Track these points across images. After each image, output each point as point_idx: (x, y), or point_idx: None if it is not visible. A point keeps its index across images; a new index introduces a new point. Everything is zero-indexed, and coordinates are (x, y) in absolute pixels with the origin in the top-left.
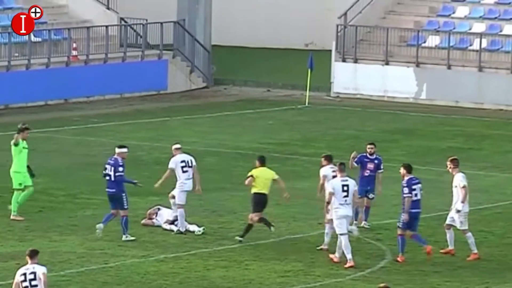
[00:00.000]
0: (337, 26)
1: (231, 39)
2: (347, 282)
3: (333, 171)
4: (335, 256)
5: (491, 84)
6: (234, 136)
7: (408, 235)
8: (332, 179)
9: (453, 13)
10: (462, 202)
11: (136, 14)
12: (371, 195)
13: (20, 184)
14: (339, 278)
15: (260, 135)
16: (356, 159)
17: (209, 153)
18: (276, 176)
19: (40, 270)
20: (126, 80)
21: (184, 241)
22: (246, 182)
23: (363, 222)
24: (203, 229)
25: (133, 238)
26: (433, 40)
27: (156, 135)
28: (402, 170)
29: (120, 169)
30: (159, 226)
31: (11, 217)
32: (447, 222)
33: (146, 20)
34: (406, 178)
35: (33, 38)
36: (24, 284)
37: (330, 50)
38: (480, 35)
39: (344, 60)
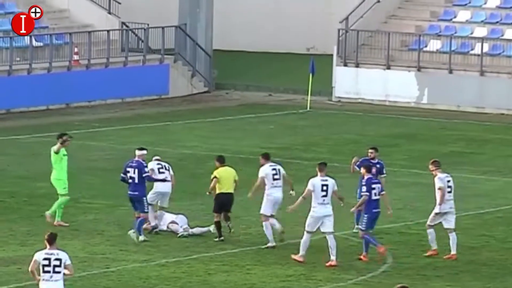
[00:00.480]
0: (339, 30)
1: (233, 44)
2: (348, 287)
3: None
4: (332, 260)
5: (493, 89)
6: (235, 141)
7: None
8: (312, 178)
9: (455, 17)
10: (439, 204)
11: (138, 18)
12: None
13: (64, 188)
14: (340, 283)
15: (262, 140)
16: (357, 164)
17: (210, 158)
18: (237, 177)
19: (67, 261)
20: (127, 85)
21: (185, 246)
22: (212, 184)
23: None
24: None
25: (145, 239)
26: (434, 45)
27: (158, 140)
28: (362, 169)
29: (146, 169)
30: (161, 230)
31: (55, 223)
32: (428, 223)
33: (148, 24)
34: (366, 177)
35: (34, 43)
36: (47, 268)
37: (332, 55)
38: (482, 39)
39: (345, 65)
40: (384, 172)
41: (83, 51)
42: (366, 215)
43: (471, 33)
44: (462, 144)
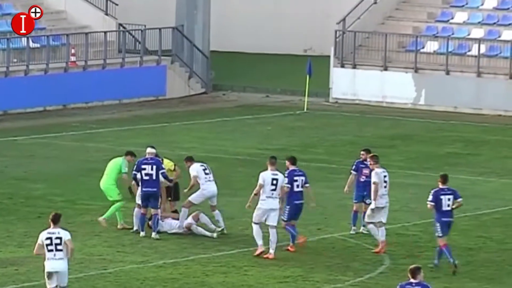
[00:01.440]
0: (336, 31)
1: (230, 45)
2: None
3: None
4: (271, 253)
5: (490, 90)
6: (232, 142)
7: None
8: (262, 172)
9: (452, 18)
10: (374, 199)
11: (135, 20)
12: (368, 201)
13: (119, 194)
14: (338, 284)
15: (259, 141)
16: (353, 166)
17: (207, 159)
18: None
19: (66, 237)
20: (124, 86)
21: (183, 247)
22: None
23: (362, 228)
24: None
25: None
26: (431, 46)
27: (155, 141)
28: (287, 162)
29: (162, 166)
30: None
31: (119, 226)
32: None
33: (145, 26)
34: (289, 169)
35: (31, 44)
36: (50, 247)
37: (329, 56)
38: (479, 40)
39: (342, 66)
40: None
41: (80, 52)
42: (287, 207)
43: (468, 35)
44: (459, 145)
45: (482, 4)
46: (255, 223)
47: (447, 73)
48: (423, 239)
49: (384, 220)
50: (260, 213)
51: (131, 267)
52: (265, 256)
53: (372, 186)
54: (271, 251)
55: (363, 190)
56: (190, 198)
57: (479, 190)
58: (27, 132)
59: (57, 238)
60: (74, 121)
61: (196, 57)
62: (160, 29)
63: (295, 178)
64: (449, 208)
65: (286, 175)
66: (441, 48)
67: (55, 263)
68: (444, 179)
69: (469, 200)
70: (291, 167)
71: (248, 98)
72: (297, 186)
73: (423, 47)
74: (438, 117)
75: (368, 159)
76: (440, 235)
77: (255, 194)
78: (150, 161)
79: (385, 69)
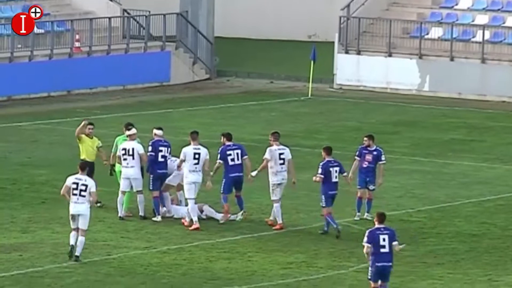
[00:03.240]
0: (340, 18)
1: (234, 31)
2: (350, 274)
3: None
4: (186, 221)
5: (494, 76)
6: (237, 128)
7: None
8: (185, 147)
9: (456, 4)
10: (257, 171)
11: (139, 5)
12: (371, 187)
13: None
14: (342, 270)
15: (263, 127)
16: (357, 152)
17: (211, 145)
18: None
19: (92, 188)
20: (128, 72)
21: (187, 233)
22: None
23: (366, 214)
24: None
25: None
26: (436, 32)
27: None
28: (222, 138)
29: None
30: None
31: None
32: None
33: (149, 11)
34: (223, 145)
35: (36, 30)
36: (75, 191)
37: (333, 42)
38: (483, 27)
39: (347, 52)
40: (383, 158)
41: (85, 38)
42: (224, 180)
43: (473, 21)
44: (463, 131)
45: None
46: (190, 198)
47: (452, 59)
48: (427, 225)
49: (277, 198)
50: (190, 186)
51: (135, 252)
52: (191, 228)
53: (263, 162)
54: (188, 219)
55: (365, 176)
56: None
57: (483, 176)
58: (31, 117)
59: (83, 185)
60: (78, 107)
61: (200, 43)
62: (164, 15)
63: (228, 152)
64: (336, 180)
65: (219, 151)
66: (445, 34)
67: (78, 206)
68: (329, 151)
69: (473, 187)
70: (227, 143)
71: (252, 84)
72: (232, 159)
73: (427, 33)
74: (442, 104)
75: (269, 136)
76: (324, 205)
77: (178, 167)
78: (166, 144)
79: (390, 55)
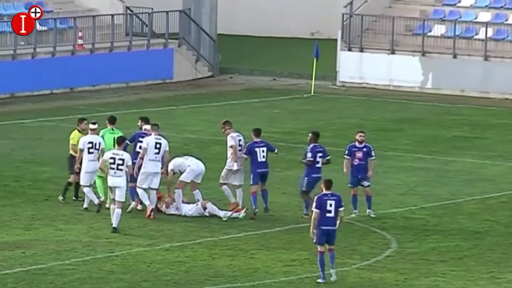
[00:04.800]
0: (343, 15)
1: (237, 28)
2: (352, 271)
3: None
4: (149, 208)
5: (497, 73)
6: (239, 125)
7: None
8: (147, 137)
9: (459, 2)
10: (235, 161)
11: (142, 3)
12: (365, 183)
13: None
14: (344, 267)
15: (266, 124)
16: (346, 151)
17: (214, 142)
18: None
19: (129, 162)
20: (131, 69)
21: (189, 230)
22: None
23: (368, 211)
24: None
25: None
26: (439, 29)
27: (161, 124)
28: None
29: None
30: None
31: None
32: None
33: (152, 9)
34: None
35: (39, 27)
36: (112, 166)
37: (336, 39)
38: (486, 24)
39: (349, 49)
40: (373, 154)
41: (87, 35)
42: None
43: (476, 18)
44: (466, 128)
45: None
46: (140, 187)
47: (454, 56)
48: (430, 222)
49: (238, 183)
50: (144, 178)
51: (138, 250)
52: (147, 215)
53: (230, 150)
54: (150, 207)
55: (357, 174)
56: (181, 178)
57: (486, 173)
58: (34, 115)
59: (120, 159)
60: (81, 104)
61: (203, 40)
62: (167, 12)
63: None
64: (264, 160)
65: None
66: (448, 32)
67: (115, 179)
68: (257, 132)
69: (476, 184)
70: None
71: (255, 81)
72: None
73: (430, 31)
74: (445, 101)
75: (222, 125)
76: (252, 183)
77: (141, 158)
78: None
79: (392, 53)
